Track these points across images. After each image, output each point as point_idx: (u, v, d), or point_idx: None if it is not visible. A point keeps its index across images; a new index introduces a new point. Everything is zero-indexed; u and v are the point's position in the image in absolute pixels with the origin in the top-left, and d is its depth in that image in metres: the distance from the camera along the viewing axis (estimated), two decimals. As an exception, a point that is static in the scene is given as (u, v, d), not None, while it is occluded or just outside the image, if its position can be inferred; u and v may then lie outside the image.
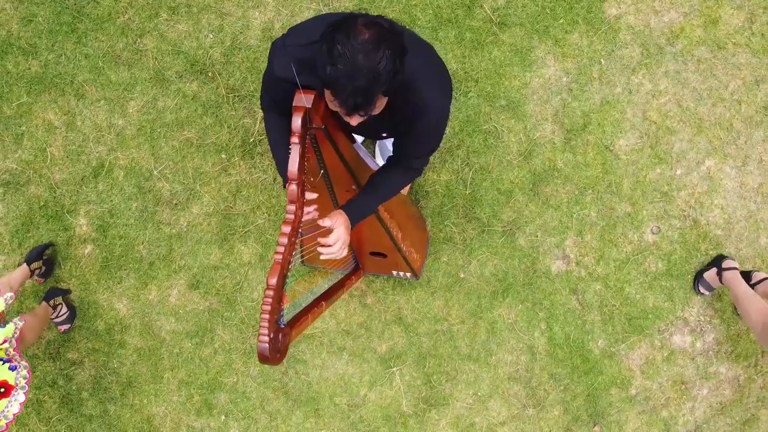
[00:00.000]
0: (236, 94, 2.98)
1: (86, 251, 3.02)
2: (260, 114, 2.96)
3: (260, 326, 1.63)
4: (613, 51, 2.95)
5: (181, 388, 3.04)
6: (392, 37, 1.47)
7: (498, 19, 2.93)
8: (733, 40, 2.93)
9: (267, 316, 1.63)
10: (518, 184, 2.97)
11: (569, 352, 2.98)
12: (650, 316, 2.96)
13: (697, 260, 2.96)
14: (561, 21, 2.94)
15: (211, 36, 2.98)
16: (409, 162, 1.92)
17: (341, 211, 1.87)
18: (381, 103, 1.57)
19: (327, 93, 1.56)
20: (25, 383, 2.45)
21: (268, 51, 1.79)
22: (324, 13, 1.83)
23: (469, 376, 3.00)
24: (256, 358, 3.01)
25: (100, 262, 3.02)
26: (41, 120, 3.00)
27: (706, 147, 2.95)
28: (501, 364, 2.99)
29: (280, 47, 1.72)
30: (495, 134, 2.96)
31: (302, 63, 1.65)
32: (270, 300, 1.64)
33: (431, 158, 2.06)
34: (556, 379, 2.98)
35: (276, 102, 1.83)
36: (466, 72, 2.95)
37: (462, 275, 2.99)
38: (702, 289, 2.92)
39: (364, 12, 1.50)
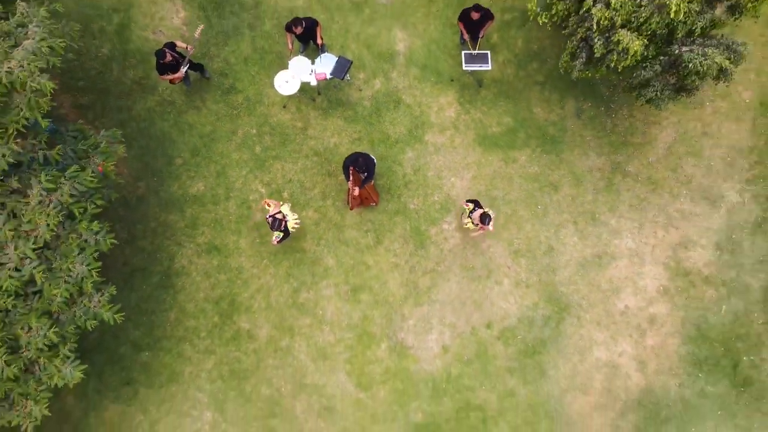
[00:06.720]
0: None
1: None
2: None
3: (350, 206, 9.77)
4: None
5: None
6: (365, 155, 9.58)
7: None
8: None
9: (352, 203, 9.69)
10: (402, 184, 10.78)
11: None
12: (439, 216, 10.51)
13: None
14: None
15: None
16: (367, 182, 9.85)
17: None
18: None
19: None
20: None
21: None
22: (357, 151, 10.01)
23: (392, 233, 10.47)
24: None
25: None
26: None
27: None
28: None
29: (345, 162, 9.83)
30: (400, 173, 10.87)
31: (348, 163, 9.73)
32: (353, 199, 9.68)
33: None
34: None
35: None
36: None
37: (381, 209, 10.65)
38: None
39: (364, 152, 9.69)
